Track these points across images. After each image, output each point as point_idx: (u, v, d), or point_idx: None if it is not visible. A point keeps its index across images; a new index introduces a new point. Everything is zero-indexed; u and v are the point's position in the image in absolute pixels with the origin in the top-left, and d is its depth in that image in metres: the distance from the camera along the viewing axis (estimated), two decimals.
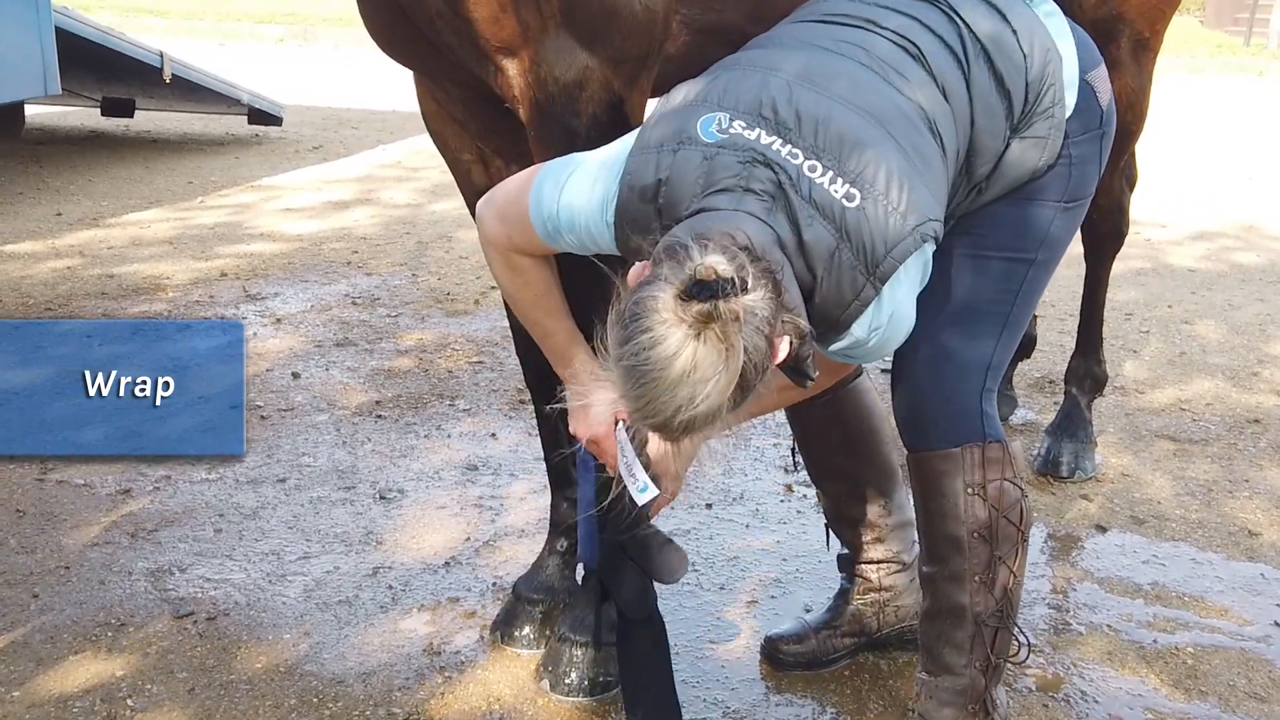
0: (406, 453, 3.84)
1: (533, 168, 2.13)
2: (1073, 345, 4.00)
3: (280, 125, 10.01)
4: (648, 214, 1.91)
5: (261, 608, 2.93)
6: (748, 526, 3.39)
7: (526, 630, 2.78)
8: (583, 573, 2.72)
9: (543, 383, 2.66)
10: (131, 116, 9.96)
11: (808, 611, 2.92)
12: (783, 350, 1.78)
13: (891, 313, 1.92)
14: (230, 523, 3.34)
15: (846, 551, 2.78)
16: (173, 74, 8.68)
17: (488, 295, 5.54)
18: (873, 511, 2.69)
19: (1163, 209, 7.66)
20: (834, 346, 1.97)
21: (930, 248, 1.94)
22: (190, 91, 9.29)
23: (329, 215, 7.28)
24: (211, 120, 10.62)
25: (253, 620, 2.87)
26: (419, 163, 9.13)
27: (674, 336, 1.66)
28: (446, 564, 3.15)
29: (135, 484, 3.56)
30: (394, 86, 13.23)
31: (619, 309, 1.75)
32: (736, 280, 1.66)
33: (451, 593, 3.02)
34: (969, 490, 2.20)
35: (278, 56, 15.92)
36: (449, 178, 8.93)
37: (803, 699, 2.66)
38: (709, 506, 3.49)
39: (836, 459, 2.67)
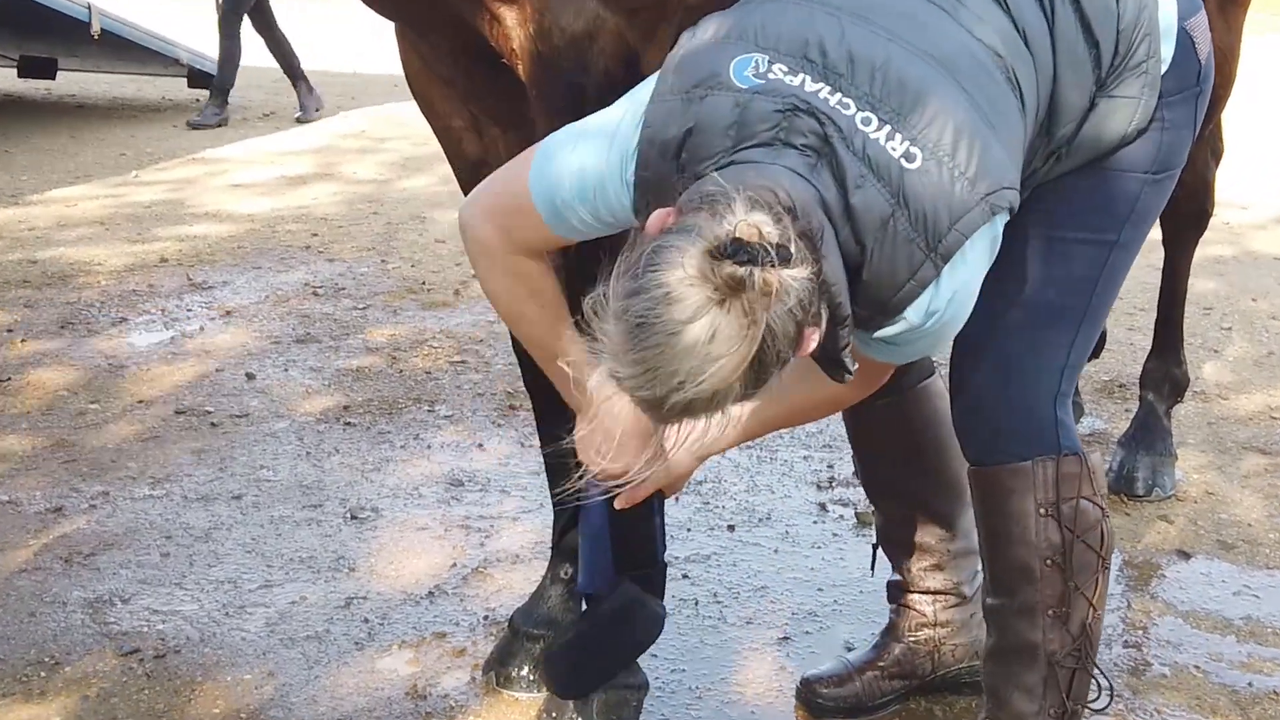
0: (380, 466, 3.83)
1: (522, 153, 2.10)
2: (1146, 344, 4.00)
3: None
4: (669, 173, 1.88)
5: (218, 644, 2.91)
6: (776, 551, 3.38)
7: (525, 670, 2.77)
8: (586, 605, 2.71)
9: (543, 383, 2.65)
10: (53, 78, 9.95)
11: (850, 650, 2.91)
12: (813, 341, 1.75)
13: (952, 295, 1.89)
14: (179, 546, 3.33)
15: (898, 579, 2.77)
16: (102, 29, 8.67)
17: (468, 285, 5.54)
18: (933, 535, 2.68)
19: (1245, 188, 7.65)
20: (883, 332, 1.94)
21: (1002, 220, 1.92)
22: (121, 49, 9.29)
23: (284, 192, 7.27)
24: (145, 83, 10.61)
25: (208, 658, 2.86)
26: (385, 132, 9.13)
27: (694, 298, 1.63)
28: (430, 594, 3.14)
29: (68, 501, 3.55)
30: (354, 46, 13.25)
31: (631, 257, 1.72)
32: (778, 248, 1.64)
33: (437, 627, 3.01)
34: (1041, 511, 2.19)
35: None
36: (420, 150, 8.88)
37: None
38: (731, 528, 3.49)
39: (897, 471, 2.66)
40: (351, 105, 10.14)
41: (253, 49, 10.92)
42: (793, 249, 1.67)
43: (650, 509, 2.46)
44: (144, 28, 9.36)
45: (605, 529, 2.56)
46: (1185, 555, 3.41)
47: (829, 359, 1.88)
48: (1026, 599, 2.21)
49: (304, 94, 9.60)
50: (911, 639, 2.76)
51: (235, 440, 3.97)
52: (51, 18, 8.58)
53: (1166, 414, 3.80)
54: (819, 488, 3.73)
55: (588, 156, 1.98)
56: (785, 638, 3.01)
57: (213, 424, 4.09)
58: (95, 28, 8.61)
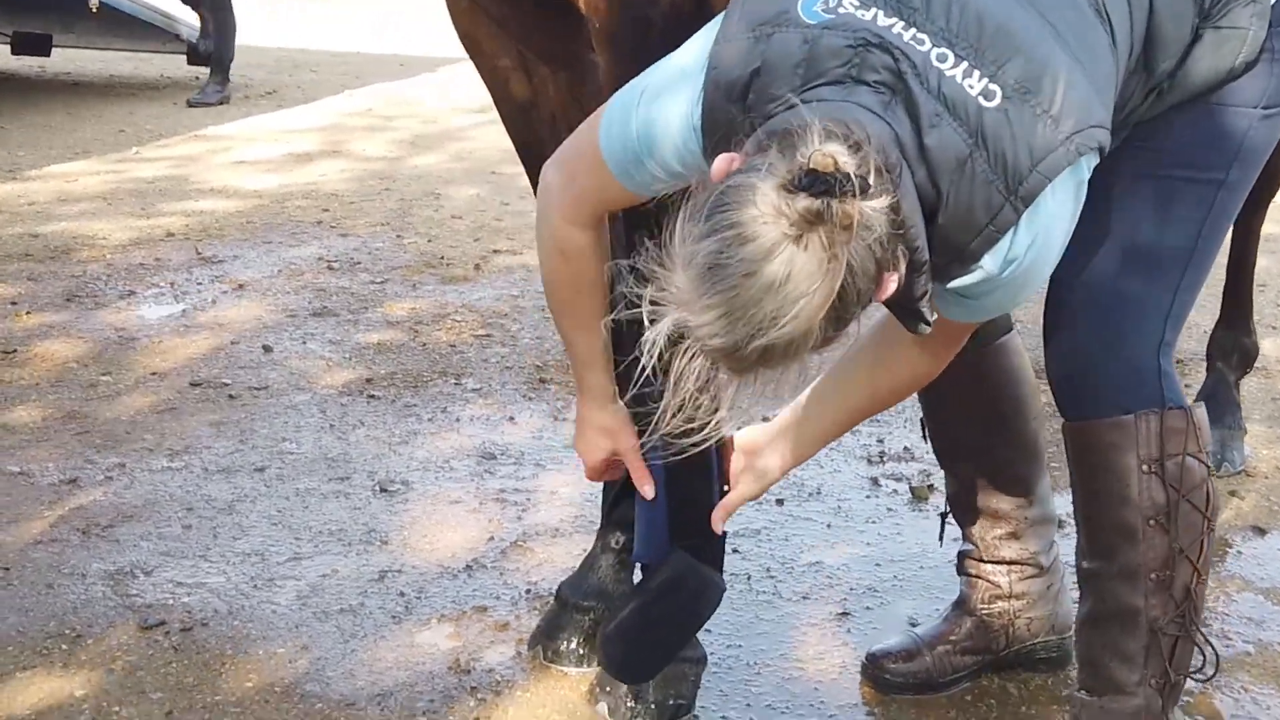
0: (407, 439, 3.73)
1: (595, 113, 2.03)
2: (1200, 319, 3.92)
3: None
4: (735, 116, 1.80)
5: (247, 617, 2.82)
6: (829, 526, 3.29)
7: (574, 644, 2.68)
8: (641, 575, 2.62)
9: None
10: (48, 55, 9.83)
11: (914, 625, 2.82)
12: (891, 284, 1.67)
13: (1031, 241, 1.81)
14: (201, 518, 3.24)
15: (970, 548, 2.67)
16: (100, 2, 8.55)
17: (489, 260, 5.44)
18: (1008, 501, 2.59)
19: None
20: (958, 283, 1.85)
21: (1089, 162, 1.83)
22: (119, 25, 9.16)
23: (291, 169, 7.17)
24: (142, 61, 10.49)
25: (237, 631, 2.77)
26: (393, 111, 9.03)
27: (769, 234, 1.56)
28: (468, 567, 3.05)
29: (83, 472, 3.44)
30: (357, 24, 13.16)
31: (696, 202, 1.66)
32: (857, 178, 1.57)
33: (477, 601, 2.91)
34: (1144, 468, 2.10)
35: None
36: (429, 128, 8.76)
37: None
38: (780, 502, 3.39)
39: (972, 433, 2.57)
40: (356, 84, 10.03)
41: (252, 27, 10.86)
42: (871, 180, 1.59)
43: (710, 477, 2.38)
44: (144, 1, 9.24)
45: (663, 496, 2.48)
46: (1261, 531, 3.32)
47: (906, 309, 1.79)
48: (1128, 561, 2.12)
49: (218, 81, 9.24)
50: (985, 612, 2.67)
51: (255, 413, 3.87)
52: None
53: (1236, 385, 3.72)
54: (869, 462, 3.64)
55: (656, 106, 1.90)
56: (844, 613, 2.92)
57: (230, 396, 3.99)
58: (94, 0, 8.49)
